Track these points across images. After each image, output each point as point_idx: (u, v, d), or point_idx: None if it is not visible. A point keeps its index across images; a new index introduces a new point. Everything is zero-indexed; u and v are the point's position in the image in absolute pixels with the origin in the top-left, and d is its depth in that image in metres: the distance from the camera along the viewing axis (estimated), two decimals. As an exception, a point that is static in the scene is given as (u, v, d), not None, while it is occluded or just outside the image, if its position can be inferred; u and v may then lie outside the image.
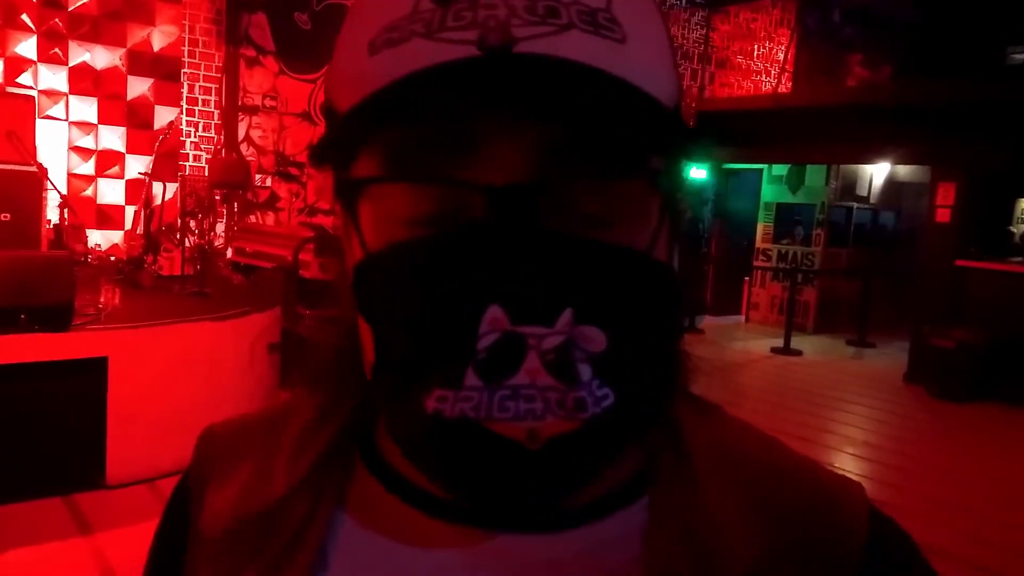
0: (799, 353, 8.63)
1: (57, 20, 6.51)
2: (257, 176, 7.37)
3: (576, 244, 0.38)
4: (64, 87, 6.59)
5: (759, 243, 10.72)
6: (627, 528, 0.44)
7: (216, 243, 6.64)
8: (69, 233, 5.73)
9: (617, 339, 0.38)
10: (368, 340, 0.42)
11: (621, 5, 0.39)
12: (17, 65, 6.36)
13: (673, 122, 0.41)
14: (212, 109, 7.35)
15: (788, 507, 0.45)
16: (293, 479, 0.48)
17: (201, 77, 7.27)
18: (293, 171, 7.74)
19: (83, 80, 6.67)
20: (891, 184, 10.96)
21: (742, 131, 8.31)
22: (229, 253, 6.72)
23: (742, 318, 10.87)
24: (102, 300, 4.28)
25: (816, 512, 0.45)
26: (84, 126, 6.73)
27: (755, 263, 10.68)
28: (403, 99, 0.37)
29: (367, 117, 0.38)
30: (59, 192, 5.57)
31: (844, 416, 6.35)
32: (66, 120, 6.63)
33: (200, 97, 7.28)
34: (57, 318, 3.64)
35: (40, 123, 5.90)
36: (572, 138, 0.38)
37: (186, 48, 7.16)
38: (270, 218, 7.60)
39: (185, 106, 7.21)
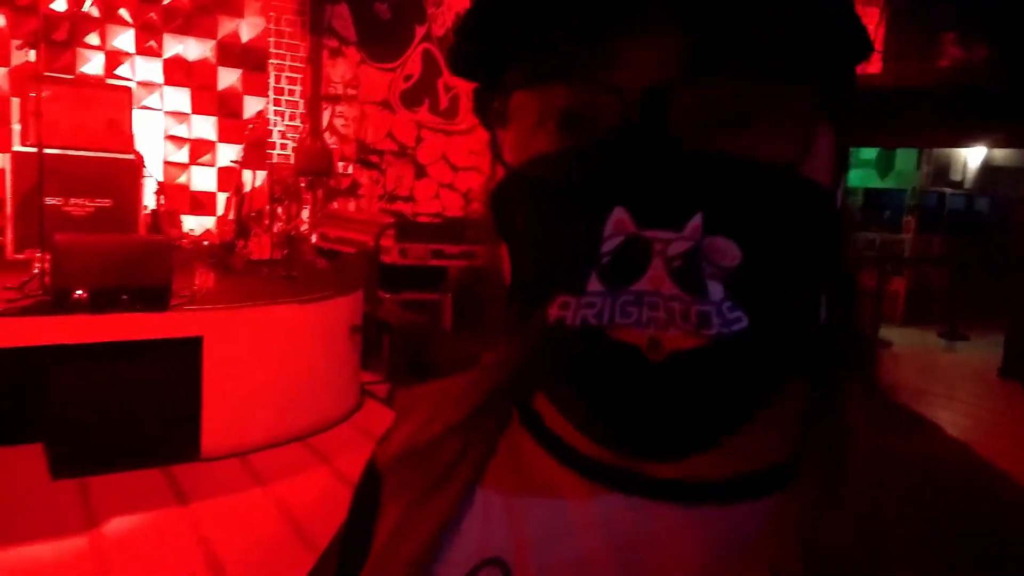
0: (888, 345, 8.36)
1: (152, 14, 6.75)
2: (339, 164, 7.52)
3: (706, 155, 0.36)
4: (159, 78, 6.82)
5: (844, 230, 10.41)
6: (760, 517, 0.40)
7: (302, 228, 6.80)
8: (165, 218, 5.93)
9: (753, 257, 0.36)
10: (507, 265, 0.43)
11: None
12: (116, 58, 6.62)
13: (836, 22, 0.37)
14: (297, 99, 7.50)
15: (962, 514, 0.37)
16: (452, 422, 0.51)
17: (287, 68, 7.43)
18: (373, 159, 7.87)
19: (177, 71, 6.89)
20: (987, 168, 10.47)
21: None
22: (314, 238, 6.86)
23: (825, 307, 10.59)
24: (197, 282, 4.40)
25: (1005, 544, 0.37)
26: (178, 116, 6.96)
27: (840, 250, 10.38)
28: None
29: (498, 15, 0.37)
30: (156, 179, 5.79)
31: (935, 412, 5.99)
32: (161, 110, 6.88)
33: (286, 87, 7.44)
34: (156, 299, 3.77)
35: (137, 113, 6.10)
36: (714, 36, 0.35)
37: (272, 39, 7.32)
38: (352, 204, 7.75)
39: (272, 96, 7.37)
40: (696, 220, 0.35)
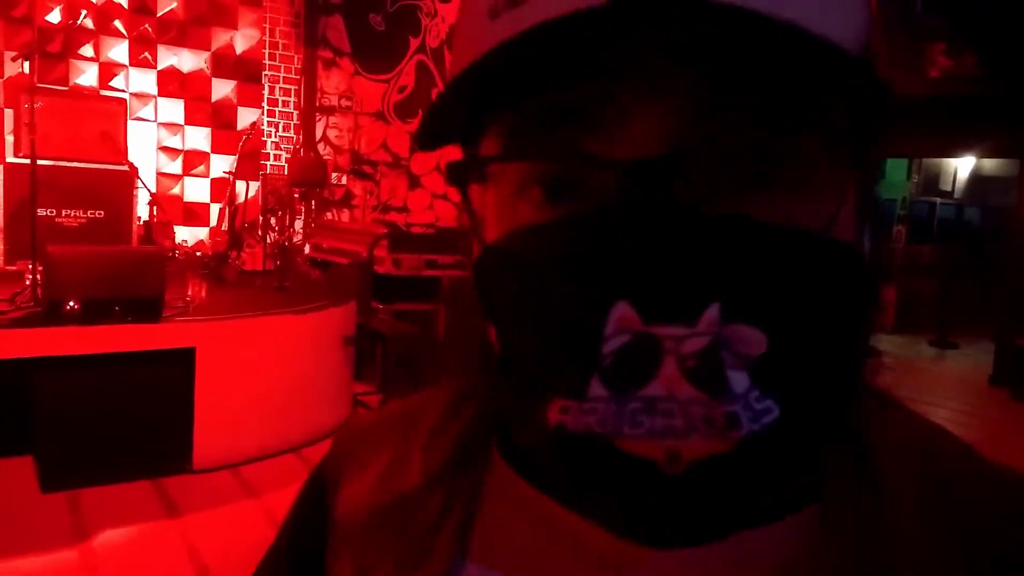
0: (878, 353, 8.36)
1: (147, 26, 6.76)
2: (333, 174, 7.53)
3: (722, 222, 0.31)
4: (153, 90, 6.83)
5: (836, 240, 10.45)
6: (788, 540, 0.37)
7: (295, 239, 6.81)
8: (158, 229, 5.92)
9: (781, 339, 0.31)
10: (495, 335, 0.38)
11: None
12: (110, 70, 6.64)
13: (853, 67, 0.31)
14: (291, 110, 7.53)
15: (991, 524, 0.36)
16: (429, 470, 0.45)
17: (281, 79, 7.46)
18: (367, 169, 7.88)
19: (171, 83, 6.90)
20: (976, 178, 10.53)
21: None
22: (307, 249, 6.86)
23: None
24: (189, 293, 4.40)
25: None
26: (172, 127, 6.97)
27: (831, 260, 10.42)
28: (525, 52, 0.30)
29: (479, 78, 0.32)
30: (149, 190, 5.76)
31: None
32: (155, 121, 6.88)
33: (280, 98, 7.47)
34: (148, 310, 3.75)
35: (131, 124, 6.10)
36: (719, 95, 0.31)
37: (267, 51, 7.35)
38: (345, 215, 7.76)
39: (266, 107, 7.40)
40: (712, 311, 0.30)
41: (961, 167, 10.27)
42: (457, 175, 0.37)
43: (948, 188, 10.26)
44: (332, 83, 7.65)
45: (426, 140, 0.37)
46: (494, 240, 0.37)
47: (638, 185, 0.31)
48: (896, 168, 9.79)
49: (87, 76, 6.54)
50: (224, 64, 7.17)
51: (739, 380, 0.31)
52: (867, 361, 0.41)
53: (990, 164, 10.34)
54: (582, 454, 0.32)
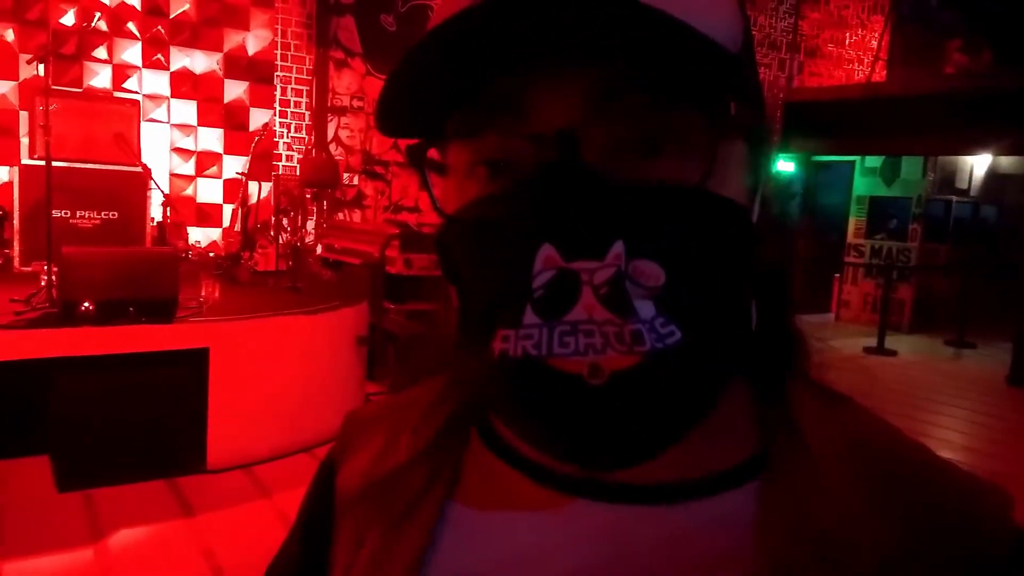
0: (894, 353, 8.31)
1: (160, 28, 6.81)
2: (345, 175, 7.56)
3: (620, 180, 0.38)
4: (166, 91, 6.90)
5: (851, 238, 10.36)
6: (736, 511, 0.43)
7: (307, 240, 6.83)
8: (171, 230, 5.98)
9: (677, 275, 0.38)
10: (456, 305, 0.44)
11: None
12: (123, 71, 6.69)
13: (723, 59, 0.37)
14: (303, 111, 7.57)
15: (923, 505, 0.42)
16: (415, 448, 0.52)
17: (293, 80, 7.50)
18: (379, 170, 7.90)
19: (183, 84, 6.96)
20: (993, 176, 10.43)
21: (833, 122, 8.05)
22: (319, 249, 6.88)
23: (832, 316, 10.53)
24: (203, 294, 4.43)
25: (953, 515, 0.41)
26: (184, 128, 7.02)
27: (846, 259, 10.33)
28: (446, 42, 0.37)
29: (409, 70, 0.39)
30: (162, 191, 5.80)
31: (943, 419, 6.08)
32: (168, 123, 6.93)
33: (292, 99, 7.51)
34: (162, 311, 3.78)
35: (144, 126, 6.17)
36: (614, 76, 0.38)
37: (279, 52, 7.40)
38: (357, 215, 7.78)
39: (278, 108, 7.44)
40: (617, 248, 0.37)
41: (977, 164, 10.18)
42: (414, 157, 0.44)
43: (964, 186, 10.16)
44: (344, 83, 7.68)
45: (382, 126, 0.44)
46: (451, 213, 0.44)
47: (552, 150, 0.38)
48: (911, 166, 9.71)
49: (101, 78, 6.59)
50: (236, 65, 7.22)
51: (645, 307, 0.37)
52: (784, 311, 0.49)
53: (1007, 161, 10.25)
54: (520, 375, 0.38)
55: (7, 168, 6.08)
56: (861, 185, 10.27)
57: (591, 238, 0.37)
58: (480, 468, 0.50)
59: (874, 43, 9.76)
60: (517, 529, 0.46)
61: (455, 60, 0.38)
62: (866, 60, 9.87)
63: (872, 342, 8.43)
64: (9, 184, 5.73)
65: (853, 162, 10.28)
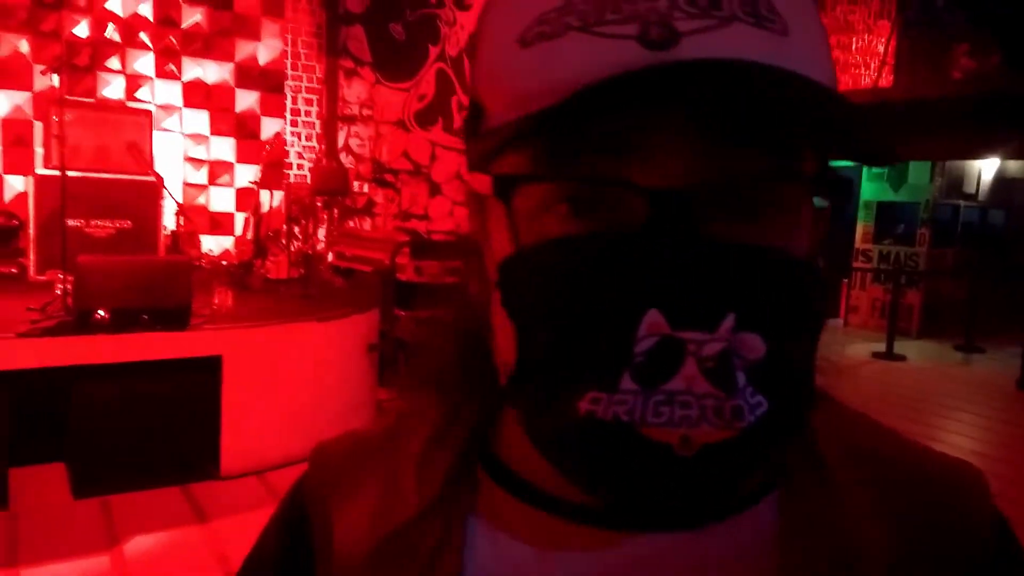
0: (903, 358, 8.28)
1: (172, 38, 6.85)
2: (355, 183, 7.58)
3: (738, 250, 0.37)
4: (179, 101, 6.91)
5: (859, 243, 10.34)
6: (758, 526, 0.44)
7: (318, 247, 6.86)
8: (184, 239, 5.99)
9: (776, 347, 0.37)
10: (507, 341, 0.41)
11: None
12: (136, 81, 6.73)
13: (849, 111, 0.36)
14: (314, 119, 7.59)
15: (915, 504, 0.44)
16: (424, 497, 0.49)
17: (303, 89, 7.52)
18: (388, 178, 7.93)
19: (196, 94, 6.98)
20: (1001, 180, 10.40)
21: (840, 128, 8.03)
22: (330, 257, 6.90)
23: (840, 321, 10.50)
24: (216, 302, 4.43)
25: (943, 508, 0.44)
26: (197, 138, 7.05)
27: (854, 264, 10.31)
28: (571, 113, 0.34)
29: (532, 126, 0.36)
30: (175, 200, 5.83)
31: (952, 425, 6.05)
32: (181, 132, 6.97)
33: (303, 108, 7.54)
34: (176, 319, 3.80)
35: (157, 135, 6.17)
36: (737, 139, 0.36)
37: (289, 61, 7.42)
38: (367, 223, 7.81)
39: (289, 117, 7.47)
40: (729, 321, 0.36)
41: (985, 169, 10.15)
42: (502, 189, 0.40)
43: (972, 190, 10.13)
44: (353, 92, 7.71)
45: (474, 165, 0.42)
46: (520, 248, 0.40)
47: (666, 210, 0.36)
48: (919, 171, 9.69)
49: (114, 88, 6.64)
50: (248, 75, 7.25)
51: (740, 378, 0.36)
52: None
53: (1015, 166, 10.22)
54: (608, 438, 0.37)
55: (22, 178, 6.11)
56: (868, 190, 10.26)
57: (703, 308, 0.36)
58: (494, 507, 0.48)
59: (881, 48, 9.76)
60: (545, 570, 0.45)
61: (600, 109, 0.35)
62: (873, 65, 9.87)
63: (881, 347, 8.40)
64: (24, 194, 5.78)
65: (860, 167, 10.23)
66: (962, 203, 9.97)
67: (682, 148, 0.37)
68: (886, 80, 9.41)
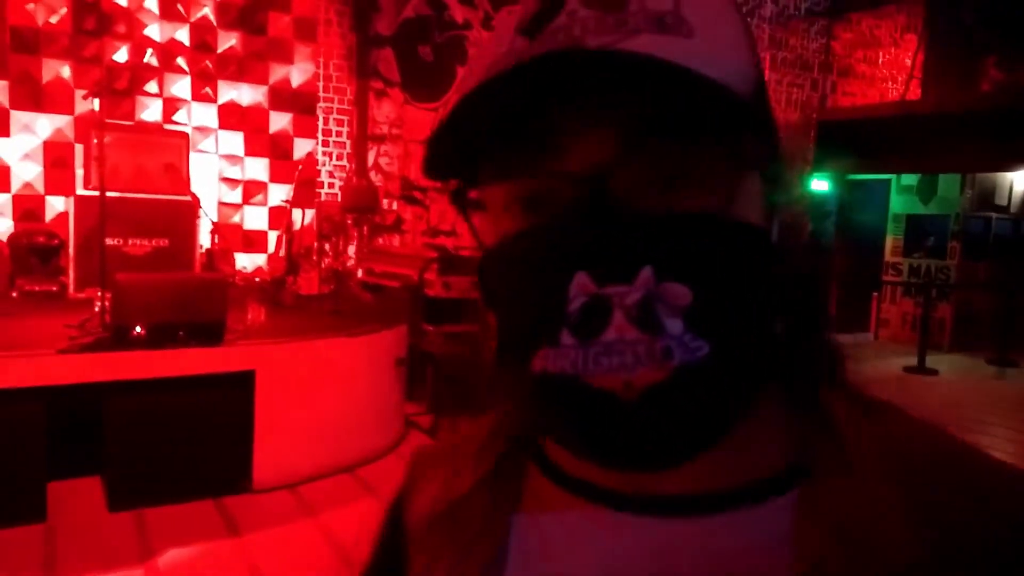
0: (935, 372, 8.15)
1: (208, 62, 7.02)
2: (384, 200, 7.68)
3: (646, 213, 0.42)
4: (214, 123, 7.08)
5: (888, 257, 10.20)
6: (776, 519, 0.45)
7: (348, 264, 6.94)
8: (219, 256, 6.11)
9: (703, 293, 0.41)
10: (495, 330, 0.48)
11: (690, 5, 0.42)
12: (173, 105, 6.90)
13: (734, 102, 0.41)
14: (345, 139, 7.73)
15: (961, 510, 0.43)
16: (476, 475, 0.57)
17: (335, 110, 7.68)
18: (417, 195, 8.02)
19: (231, 116, 7.14)
20: (1034, 192, 10.23)
21: (867, 141, 7.96)
22: (360, 273, 6.98)
23: (871, 335, 10.36)
24: (249, 318, 4.49)
25: (984, 520, 0.43)
26: (232, 158, 7.20)
27: (884, 278, 10.18)
28: (484, 100, 0.42)
29: (450, 125, 0.43)
30: (211, 219, 5.96)
31: (986, 440, 5.95)
32: (216, 153, 7.12)
33: (334, 128, 7.69)
34: (211, 334, 3.87)
35: (193, 156, 6.31)
36: (638, 121, 0.41)
37: (321, 84, 7.58)
38: (396, 240, 7.89)
39: (320, 137, 7.61)
40: (645, 272, 0.41)
41: (1017, 181, 10.00)
42: (457, 199, 0.50)
43: (1004, 203, 9.96)
44: (383, 113, 7.81)
45: (430, 173, 0.48)
46: (489, 247, 0.49)
47: (583, 190, 0.42)
48: (948, 183, 9.57)
49: (151, 111, 6.81)
50: (281, 97, 7.39)
51: (675, 325, 0.41)
52: (814, 322, 0.52)
53: (1048, 178, 10.06)
54: (560, 390, 0.42)
55: (63, 198, 6.27)
56: (898, 203, 10.14)
57: (620, 265, 0.41)
58: (538, 492, 0.54)
59: (908, 61, 9.68)
60: (575, 547, 0.50)
61: (495, 110, 0.42)
62: (900, 78, 9.79)
63: (912, 361, 8.26)
64: (65, 214, 5.93)
65: (889, 180, 10.15)
66: (994, 215, 9.81)
67: (593, 141, 0.42)
68: (914, 93, 9.32)
